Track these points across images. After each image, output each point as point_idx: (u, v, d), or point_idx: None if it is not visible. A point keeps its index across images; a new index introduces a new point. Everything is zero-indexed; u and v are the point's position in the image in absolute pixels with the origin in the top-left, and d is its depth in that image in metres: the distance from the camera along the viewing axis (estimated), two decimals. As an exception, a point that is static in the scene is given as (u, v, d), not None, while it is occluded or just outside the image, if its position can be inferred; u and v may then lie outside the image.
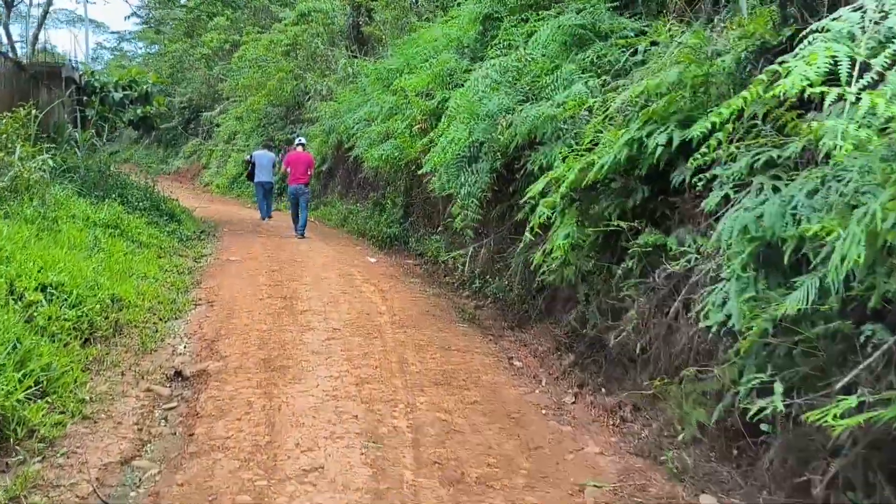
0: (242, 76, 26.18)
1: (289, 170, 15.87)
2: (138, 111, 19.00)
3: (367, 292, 9.78)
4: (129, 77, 19.24)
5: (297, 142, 16.80)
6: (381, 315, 8.54)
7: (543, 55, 8.50)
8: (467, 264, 9.61)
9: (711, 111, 5.42)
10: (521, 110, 8.03)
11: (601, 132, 6.54)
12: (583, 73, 8.10)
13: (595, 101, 7.23)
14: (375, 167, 14.61)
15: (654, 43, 7.60)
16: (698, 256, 5.02)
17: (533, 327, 8.25)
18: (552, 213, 6.57)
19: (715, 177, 5.20)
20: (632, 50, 7.78)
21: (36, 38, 19.19)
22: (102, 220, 12.15)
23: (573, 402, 5.91)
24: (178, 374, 6.48)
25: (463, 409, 5.67)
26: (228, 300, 9.14)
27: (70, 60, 19.89)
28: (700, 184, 5.55)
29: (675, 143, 5.42)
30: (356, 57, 21.04)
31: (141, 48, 37.83)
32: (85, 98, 18.92)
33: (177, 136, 33.16)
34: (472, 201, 8.44)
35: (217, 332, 7.75)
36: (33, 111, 12.13)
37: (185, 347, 7.39)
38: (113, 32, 40.60)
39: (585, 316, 6.61)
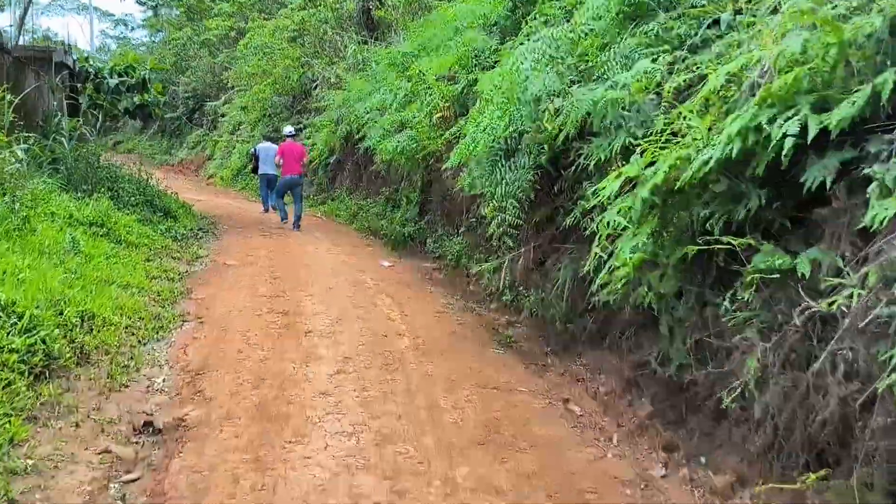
0: (247, 64, 24.62)
1: (281, 161, 15.23)
2: (135, 99, 17.47)
3: (382, 305, 8.27)
4: (125, 63, 17.69)
5: (286, 132, 16.03)
6: (400, 337, 7.04)
7: (592, 30, 6.96)
8: (502, 277, 8.08)
9: (859, 90, 3.93)
10: (571, 94, 6.50)
11: (687, 118, 5.02)
12: (646, 48, 6.58)
13: (671, 80, 5.72)
14: (389, 160, 13.09)
15: (737, 12, 6.10)
16: (861, 292, 3.49)
17: (583, 354, 6.75)
18: (625, 221, 5.04)
19: (869, 178, 3.70)
20: (710, 20, 6.25)
21: (23, 20, 17.69)
22: (86, 218, 10.68)
23: (663, 476, 4.40)
24: (149, 424, 4.98)
25: (519, 485, 4.17)
26: (221, 316, 7.64)
27: (64, 44, 18.37)
28: (843, 188, 4.05)
29: (813, 132, 3.89)
30: (366, 43, 19.49)
31: (146, 37, 36.35)
32: (79, 85, 17.39)
33: (181, 126, 31.63)
34: (511, 203, 6.91)
35: (204, 360, 6.27)
36: (8, 96, 10.61)
37: (163, 381, 5.90)
38: (117, 20, 39.14)
39: (669, 354, 5.09)
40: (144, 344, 6.81)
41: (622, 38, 6.72)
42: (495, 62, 9.04)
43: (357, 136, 15.94)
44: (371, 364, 6.20)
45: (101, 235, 10.45)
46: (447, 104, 9.84)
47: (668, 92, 6.05)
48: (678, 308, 5.03)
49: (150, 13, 35.40)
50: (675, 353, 4.98)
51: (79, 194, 12.14)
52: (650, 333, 5.62)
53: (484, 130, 7.35)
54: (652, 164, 4.92)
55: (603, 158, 6.17)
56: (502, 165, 7.22)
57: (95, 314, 6.99)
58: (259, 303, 8.13)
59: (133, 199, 12.94)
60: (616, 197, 5.10)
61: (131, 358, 6.33)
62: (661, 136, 5.27)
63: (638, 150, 5.13)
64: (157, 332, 7.12)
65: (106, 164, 13.41)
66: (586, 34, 6.76)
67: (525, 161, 6.91)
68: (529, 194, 6.90)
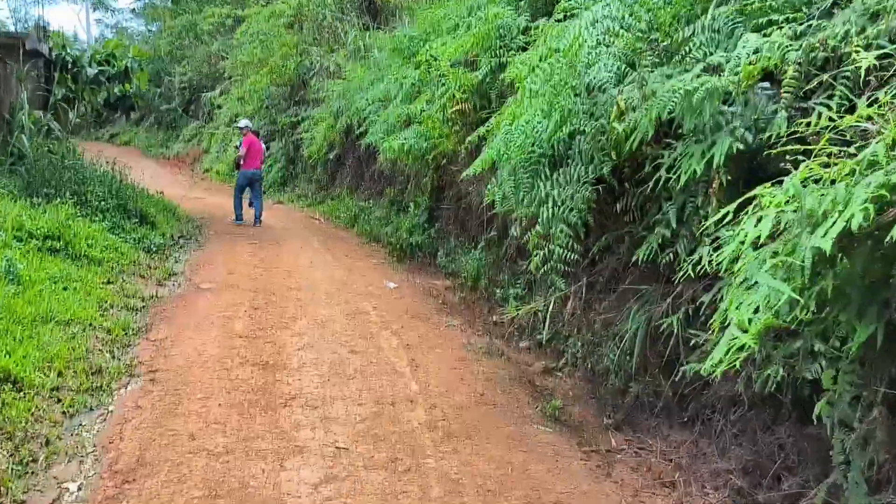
0: (242, 52, 22.61)
1: (245, 152, 14.02)
2: (116, 89, 15.53)
3: (387, 349, 6.37)
4: (106, 51, 15.73)
5: (243, 124, 14.76)
6: (412, 406, 5.14)
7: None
8: (545, 323, 6.17)
9: None
10: (647, 81, 4.58)
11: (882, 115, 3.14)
12: (748, 17, 4.67)
13: (793, 60, 3.87)
14: (393, 160, 11.16)
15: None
16: None
17: (658, 432, 4.87)
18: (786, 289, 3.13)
19: None
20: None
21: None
22: (40, 230, 8.81)
23: None
24: None
25: None
26: (180, 369, 5.74)
27: (38, 29, 16.42)
28: None
29: None
30: (368, 29, 17.51)
31: (141, 25, 34.33)
32: (56, 74, 15.44)
33: (177, 118, 29.63)
34: (562, 230, 4.99)
35: (142, 452, 4.38)
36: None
37: (78, 492, 4.01)
38: (113, 10, 37.12)
39: (841, 488, 3.19)
40: (72, 417, 4.94)
41: (714, 6, 4.81)
42: (526, 43, 7.11)
43: (358, 131, 14.02)
44: (373, 460, 4.30)
45: (55, 251, 8.60)
46: (465, 95, 7.90)
47: (791, 78, 4.18)
48: (854, 417, 3.14)
49: (146, 0, 33.37)
50: (854, 491, 3.07)
51: (38, 199, 10.25)
52: (797, 437, 3.74)
53: (521, 130, 5.42)
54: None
55: (697, 172, 4.25)
56: (546, 177, 5.30)
57: (11, 373, 5.16)
58: (232, 347, 6.22)
59: (103, 203, 11.02)
60: (758, 242, 3.17)
61: (45, 445, 4.47)
62: (787, 141, 3.45)
63: (791, 174, 3.20)
64: (93, 397, 5.24)
65: (71, 164, 11.43)
66: (665, 1, 4.82)
67: (580, 172, 4.98)
68: (587, 218, 4.98)
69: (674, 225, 4.58)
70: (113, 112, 16.32)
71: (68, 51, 15.56)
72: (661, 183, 4.59)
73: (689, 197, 4.60)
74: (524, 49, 7.09)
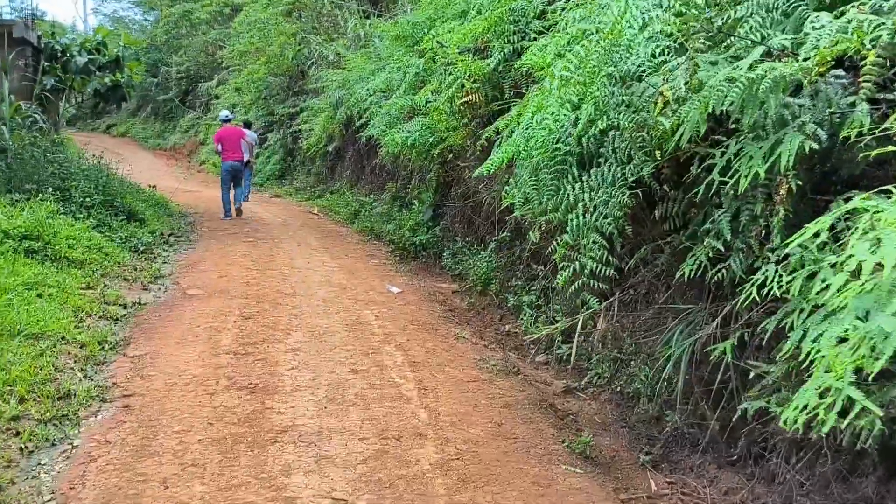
0: (239, 42, 21.83)
1: (220, 147, 13.61)
2: (106, 79, 14.77)
3: (391, 368, 5.67)
4: (96, 39, 14.96)
5: (222, 116, 14.52)
6: (421, 440, 4.44)
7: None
8: (574, 344, 5.46)
9: None
10: (697, 68, 3.86)
11: None
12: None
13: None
14: (396, 153, 10.43)
15: None
16: None
17: (704, 472, 4.18)
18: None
19: None
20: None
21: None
22: (17, 230, 8.11)
23: None
24: None
25: None
26: (158, 394, 5.04)
27: (26, 16, 15.65)
28: None
29: None
30: (369, 17, 16.74)
31: (138, 14, 33.48)
32: (46, 64, 14.68)
33: (174, 108, 28.84)
34: (594, 240, 4.27)
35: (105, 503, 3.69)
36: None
37: (23, 558, 3.32)
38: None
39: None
40: (30, 454, 4.25)
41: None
42: (545, 28, 6.37)
43: (359, 123, 13.30)
44: (377, 515, 3.61)
45: (32, 253, 7.91)
46: (476, 85, 7.16)
47: (873, 64, 3.49)
48: None
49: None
50: None
51: (19, 196, 9.54)
52: (885, 495, 3.05)
53: (543, 125, 4.70)
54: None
55: (760, 175, 3.55)
56: (574, 179, 4.58)
57: (-36, 401, 4.48)
58: (218, 366, 5.52)
59: (88, 199, 10.30)
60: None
61: (-5, 492, 3.78)
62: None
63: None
64: (57, 428, 4.55)
65: (55, 158, 10.69)
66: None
67: (615, 173, 4.26)
68: (623, 226, 4.26)
69: (727, 236, 3.87)
70: (104, 102, 15.46)
71: (57, 39, 14.79)
72: (713, 187, 3.88)
73: (744, 204, 3.90)
74: (541, 34, 6.35)
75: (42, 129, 11.75)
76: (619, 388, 5.27)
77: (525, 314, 6.97)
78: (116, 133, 32.51)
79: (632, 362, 5.25)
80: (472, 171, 8.21)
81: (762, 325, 3.64)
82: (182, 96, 28.69)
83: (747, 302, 3.52)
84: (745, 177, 3.60)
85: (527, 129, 4.86)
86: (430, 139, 8.88)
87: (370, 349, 6.08)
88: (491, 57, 7.20)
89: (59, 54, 14.63)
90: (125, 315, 6.88)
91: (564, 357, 5.98)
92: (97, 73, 14.70)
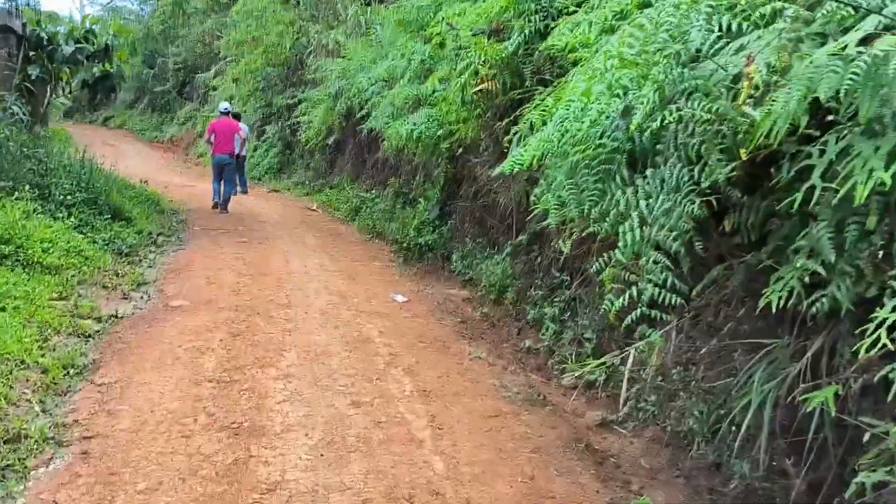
0: (236, 31, 20.86)
1: (212, 139, 13.18)
2: (95, 69, 13.87)
3: (399, 400, 4.81)
4: (84, 27, 14.04)
5: (222, 108, 13.87)
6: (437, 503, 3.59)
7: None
8: (625, 386, 4.59)
9: None
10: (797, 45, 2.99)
11: None
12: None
13: None
14: (399, 147, 9.55)
15: None
16: None
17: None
18: None
19: None
20: None
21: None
22: (-16, 233, 7.27)
23: None
24: None
25: None
26: (124, 436, 4.19)
27: (10, 3, 14.71)
28: None
29: None
30: (369, 5, 15.83)
31: (134, 3, 32.49)
32: (31, 54, 13.76)
33: (171, 100, 27.88)
34: (656, 259, 3.40)
35: None
36: None
37: None
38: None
39: None
40: (-43, 522, 3.41)
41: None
42: (577, 3, 5.48)
43: (359, 114, 12.41)
44: None
45: (2, 259, 7.04)
46: (492, 71, 6.27)
47: None
48: None
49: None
50: None
51: (-8, 194, 8.67)
52: None
53: (584, 116, 3.82)
54: None
55: (887, 183, 2.69)
56: (624, 182, 3.71)
57: None
58: (197, 399, 4.66)
59: (69, 198, 9.42)
60: None
61: None
62: None
63: None
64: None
65: (31, 153, 9.80)
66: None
67: (681, 177, 3.38)
68: (692, 241, 3.39)
69: (829, 257, 3.01)
70: (92, 94, 14.56)
71: (43, 27, 13.85)
72: (809, 194, 3.01)
73: (850, 215, 3.03)
74: (567, 13, 5.46)
75: (22, 121, 10.84)
76: (666, 426, 4.42)
77: (547, 329, 6.13)
78: (113, 125, 31.56)
79: (680, 394, 4.40)
80: (486, 168, 7.36)
81: (880, 374, 2.79)
82: (179, 88, 27.74)
83: (866, 345, 2.66)
84: (863, 184, 2.73)
85: (562, 121, 3.98)
86: (438, 132, 8.01)
87: (374, 374, 5.23)
88: (509, 40, 6.31)
89: (45, 43, 13.68)
90: (99, 331, 6.02)
91: (598, 383, 5.14)
92: (85, 62, 13.76)
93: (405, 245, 9.72)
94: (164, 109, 28.45)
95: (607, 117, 3.72)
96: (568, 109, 3.93)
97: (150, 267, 8.52)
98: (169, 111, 28.13)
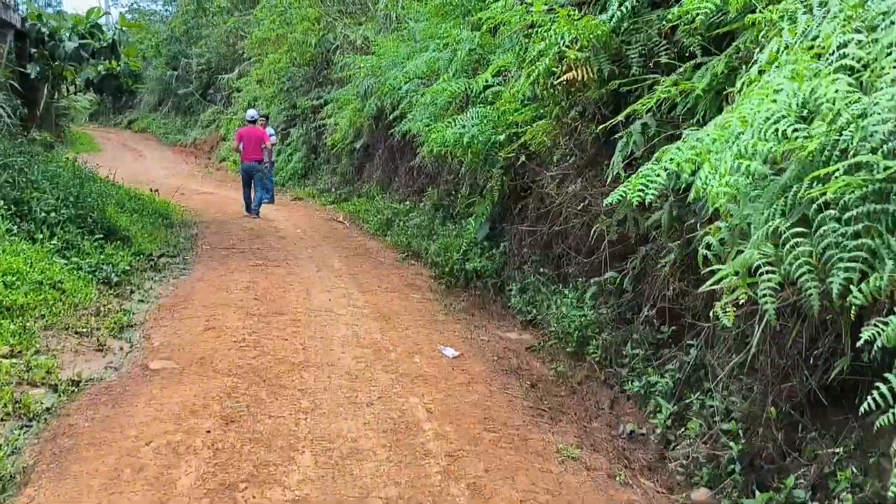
0: (260, 29, 19.19)
1: (241, 146, 12.45)
2: (100, 67, 12.24)
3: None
4: (89, 21, 12.41)
5: (249, 115, 13.12)
6: None
7: None
8: None
9: None
10: None
11: None
12: None
13: None
14: (443, 154, 7.74)
15: None
16: None
17: None
18: None
19: None
20: None
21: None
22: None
23: None
24: None
25: None
26: None
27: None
28: None
29: None
30: (401, -3, 14.06)
31: (159, 6, 31.01)
32: (33, 51, 12.18)
33: (194, 103, 26.33)
34: None
35: None
36: None
37: None
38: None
39: None
40: None
41: None
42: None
43: (392, 115, 10.66)
44: None
45: (-56, 298, 5.36)
46: (583, 55, 4.42)
47: None
48: None
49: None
50: None
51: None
52: None
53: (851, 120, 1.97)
54: None
55: None
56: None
57: None
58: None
59: (53, 215, 7.75)
60: None
61: None
62: None
63: None
64: None
65: (7, 162, 8.13)
66: None
67: None
68: None
69: None
70: (97, 93, 12.94)
71: (45, 21, 12.24)
72: None
73: None
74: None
75: (7, 125, 9.19)
76: None
77: (659, 408, 4.30)
78: (137, 129, 30.11)
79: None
80: (558, 182, 5.52)
81: None
82: (203, 90, 26.15)
83: None
84: None
85: (772, 123, 2.14)
86: (495, 136, 6.19)
87: (428, 493, 3.43)
88: (605, 13, 4.46)
89: (47, 39, 12.08)
90: (49, 409, 4.28)
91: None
92: (91, 60, 12.13)
93: (448, 270, 7.94)
94: (188, 112, 26.93)
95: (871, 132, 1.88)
96: (791, 106, 2.08)
97: (142, 301, 6.80)
98: (193, 114, 26.59)
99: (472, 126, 6.53)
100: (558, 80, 4.57)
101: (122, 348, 5.47)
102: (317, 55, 17.03)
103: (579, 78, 4.35)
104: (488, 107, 6.61)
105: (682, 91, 3.83)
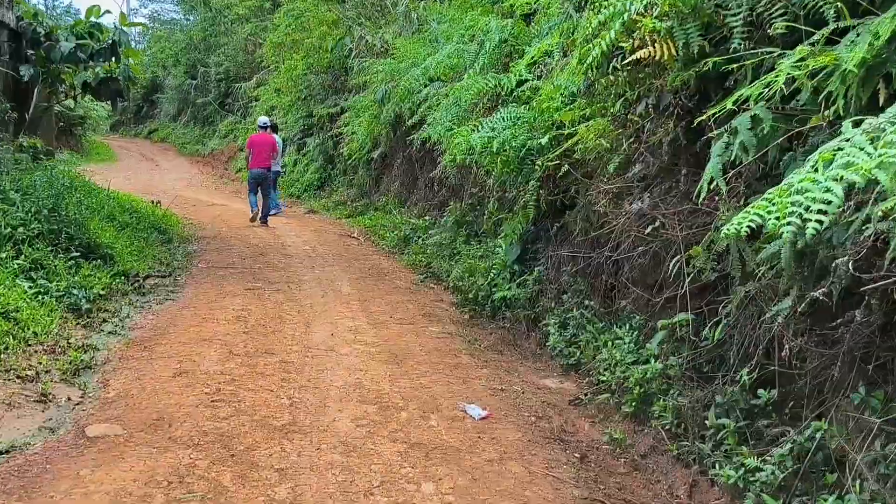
0: (276, 35, 18.21)
1: (251, 153, 12.20)
2: (98, 69, 11.23)
3: None
4: (89, 21, 11.41)
5: (260, 122, 12.84)
6: None
7: None
8: None
9: None
10: None
11: None
12: None
13: None
14: (466, 162, 6.57)
15: None
16: None
17: None
18: None
19: None
20: None
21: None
22: None
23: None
24: None
25: None
26: None
27: (7, -5, 12.22)
28: None
29: None
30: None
31: (177, 13, 30.25)
32: (30, 52, 11.19)
33: (212, 113, 25.42)
34: None
35: None
36: None
37: None
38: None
39: None
40: None
41: None
42: None
43: (410, 121, 9.54)
44: None
45: None
46: (664, 24, 3.22)
47: None
48: None
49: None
50: None
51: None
52: None
53: None
54: None
55: None
56: None
57: None
58: None
59: (21, 230, 6.67)
60: None
61: None
62: None
63: None
64: None
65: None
66: None
67: None
68: None
69: None
70: (95, 98, 11.91)
71: (41, 21, 11.26)
72: None
73: None
74: None
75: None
76: None
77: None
78: (156, 139, 29.29)
79: None
80: (612, 197, 4.31)
81: None
82: (221, 99, 25.24)
83: None
84: None
85: None
86: (532, 140, 5.01)
87: None
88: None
89: (43, 39, 11.08)
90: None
91: None
92: (89, 62, 11.12)
93: (473, 297, 6.76)
94: (207, 122, 26.02)
95: None
96: None
97: (113, 333, 5.67)
98: (211, 124, 25.68)
99: (504, 129, 5.35)
100: (626, 62, 3.37)
101: (69, 398, 4.32)
102: (334, 61, 15.98)
103: (657, 56, 3.16)
104: (522, 106, 5.42)
105: (812, 71, 2.62)
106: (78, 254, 6.97)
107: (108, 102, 11.86)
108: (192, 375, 4.61)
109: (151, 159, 24.40)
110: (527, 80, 5.42)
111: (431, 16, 11.76)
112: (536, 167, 5.23)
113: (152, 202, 11.49)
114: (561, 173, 5.04)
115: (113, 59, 11.30)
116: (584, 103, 4.25)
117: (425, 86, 8.96)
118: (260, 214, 11.84)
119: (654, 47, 3.17)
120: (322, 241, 10.53)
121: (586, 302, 5.37)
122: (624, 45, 3.34)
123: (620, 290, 4.88)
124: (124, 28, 11.47)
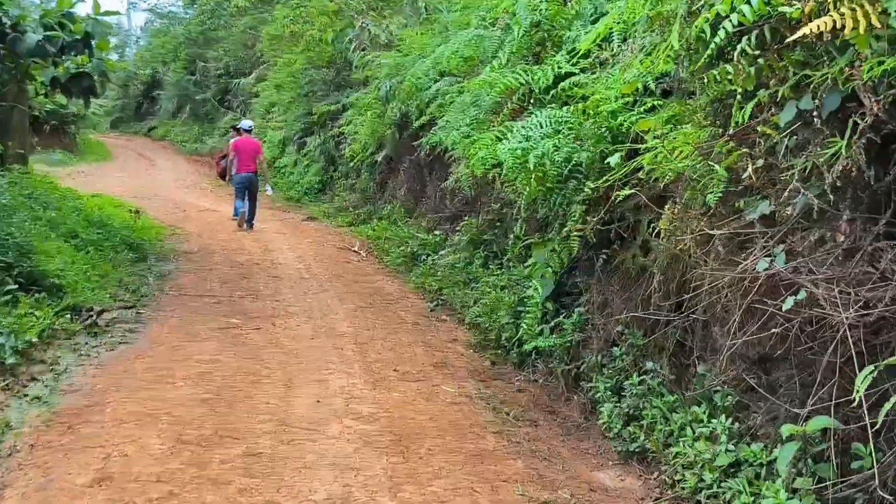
0: (272, 26, 16.87)
1: (235, 158, 11.52)
2: (67, 63, 9.91)
3: None
4: (59, 11, 10.09)
5: (244, 126, 12.15)
6: None
7: None
8: None
9: None
10: None
11: None
12: None
13: None
14: (489, 176, 5.20)
15: None
16: None
17: None
18: None
19: None
20: None
21: None
22: None
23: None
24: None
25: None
26: None
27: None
28: None
29: None
30: (432, -13, 11.65)
31: (177, 7, 28.89)
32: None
33: (211, 109, 24.06)
34: None
35: None
36: None
37: None
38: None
39: None
40: None
41: None
42: None
43: (417, 122, 8.21)
44: None
45: None
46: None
47: None
48: None
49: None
50: None
51: None
52: None
53: None
54: None
55: None
56: None
57: None
58: None
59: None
60: None
61: None
62: None
63: None
64: None
65: None
66: None
67: None
68: None
69: None
70: (66, 95, 10.57)
71: (6, 10, 9.93)
72: None
73: None
74: None
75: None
76: None
77: None
78: (156, 136, 27.95)
79: None
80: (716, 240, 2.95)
81: None
82: (220, 95, 23.90)
83: None
84: None
85: None
86: (583, 153, 3.65)
87: None
88: None
89: (8, 31, 9.76)
90: None
91: None
92: (59, 56, 9.80)
93: (493, 337, 5.43)
94: (206, 119, 24.69)
95: None
96: None
97: (37, 400, 4.34)
98: (210, 121, 24.35)
99: (542, 138, 3.98)
100: (789, 40, 2.01)
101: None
102: (336, 55, 14.62)
103: (847, 28, 1.81)
104: (563, 108, 4.06)
105: None
106: (16, 286, 5.66)
107: (76, 98, 10.48)
108: (113, 486, 3.28)
109: (148, 158, 23.12)
110: (571, 75, 4.07)
111: (441, 4, 10.44)
112: (587, 188, 3.88)
113: (131, 211, 10.17)
114: (621, 197, 3.68)
115: (86, 52, 9.97)
116: (674, 104, 2.91)
117: (435, 81, 7.63)
118: (247, 218, 11.19)
119: (838, 14, 1.82)
120: (318, 257, 9.19)
121: (649, 364, 4.02)
122: (785, 8, 1.99)
123: (700, 353, 3.52)
124: (98, 17, 10.13)
